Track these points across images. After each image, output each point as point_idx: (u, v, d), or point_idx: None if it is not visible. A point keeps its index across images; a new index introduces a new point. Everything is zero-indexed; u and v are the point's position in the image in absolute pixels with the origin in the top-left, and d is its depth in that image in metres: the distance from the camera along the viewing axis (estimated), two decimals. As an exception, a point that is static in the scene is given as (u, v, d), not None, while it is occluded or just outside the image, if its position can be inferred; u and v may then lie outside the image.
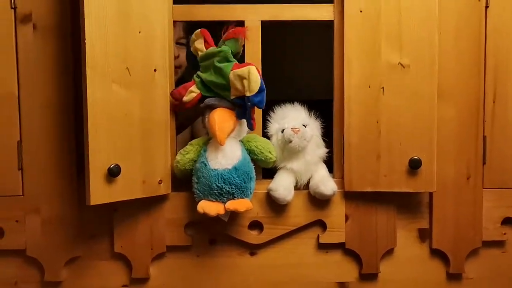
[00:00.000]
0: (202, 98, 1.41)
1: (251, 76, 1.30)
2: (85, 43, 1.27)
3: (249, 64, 1.33)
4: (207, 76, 1.40)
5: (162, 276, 1.51)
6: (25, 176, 1.45)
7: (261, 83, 1.30)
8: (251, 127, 1.37)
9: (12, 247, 1.47)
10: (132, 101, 1.35)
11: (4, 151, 1.44)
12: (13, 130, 1.43)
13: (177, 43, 1.75)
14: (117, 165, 1.31)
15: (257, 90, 1.30)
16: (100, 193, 1.31)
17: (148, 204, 1.46)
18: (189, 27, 1.78)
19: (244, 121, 1.40)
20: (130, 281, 1.51)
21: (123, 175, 1.33)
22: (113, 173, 1.31)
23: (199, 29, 1.42)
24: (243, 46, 1.43)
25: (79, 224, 1.48)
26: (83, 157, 1.30)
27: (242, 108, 1.35)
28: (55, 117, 1.44)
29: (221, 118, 1.35)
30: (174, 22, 1.47)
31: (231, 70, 1.34)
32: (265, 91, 1.31)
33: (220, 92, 1.38)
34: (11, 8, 1.42)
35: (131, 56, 1.35)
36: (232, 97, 1.35)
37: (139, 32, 1.36)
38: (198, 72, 1.43)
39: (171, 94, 1.42)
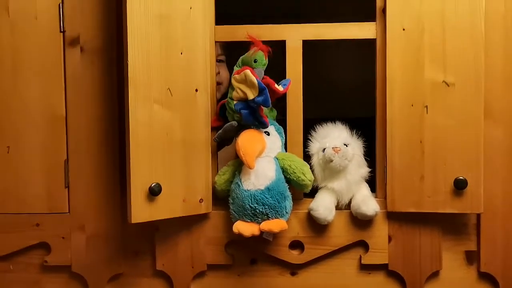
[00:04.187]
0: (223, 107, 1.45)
1: (247, 80, 1.33)
2: (127, 64, 1.30)
3: (245, 68, 1.35)
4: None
5: (203, 295, 1.52)
6: (71, 194, 1.49)
7: (258, 83, 1.32)
8: (264, 125, 1.38)
9: (58, 263, 1.51)
10: (174, 120, 1.38)
11: (52, 170, 1.49)
12: (60, 149, 1.48)
13: (216, 60, 1.76)
14: (158, 184, 1.34)
15: (257, 93, 1.32)
16: (141, 211, 1.33)
17: (190, 222, 1.47)
18: (227, 44, 1.79)
19: (275, 137, 1.42)
20: (171, 299, 1.53)
21: (164, 194, 1.35)
22: (154, 192, 1.33)
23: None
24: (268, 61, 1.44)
25: (122, 242, 1.51)
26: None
27: (247, 110, 1.36)
28: (101, 137, 1.48)
29: (246, 142, 1.36)
30: (216, 42, 1.49)
31: (233, 75, 1.37)
32: (266, 89, 1.32)
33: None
34: (60, 31, 1.47)
35: (173, 77, 1.37)
36: (234, 102, 1.37)
37: (181, 53, 1.39)
38: None
39: None
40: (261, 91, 1.32)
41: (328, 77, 2.68)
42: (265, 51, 1.42)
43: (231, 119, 1.42)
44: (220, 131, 1.42)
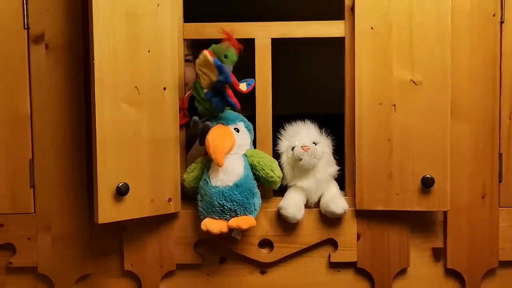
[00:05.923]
0: (191, 101, 1.43)
1: (205, 60, 1.32)
2: (93, 63, 1.28)
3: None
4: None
5: (172, 295, 1.51)
6: (36, 194, 1.46)
7: (214, 61, 1.31)
8: (233, 106, 1.36)
9: (24, 264, 1.48)
10: (141, 119, 1.36)
11: (16, 169, 1.45)
12: (25, 148, 1.45)
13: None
14: (125, 183, 1.32)
15: (217, 71, 1.31)
16: (108, 211, 1.31)
17: (158, 222, 1.46)
18: (195, 44, 1.78)
19: (245, 134, 1.42)
20: (140, 299, 1.51)
21: (132, 194, 1.34)
22: (121, 191, 1.31)
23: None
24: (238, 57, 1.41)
25: (89, 242, 1.48)
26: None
27: (217, 96, 1.35)
28: (67, 136, 1.46)
29: (216, 139, 1.35)
30: (184, 40, 1.48)
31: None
32: (222, 66, 1.31)
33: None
34: (24, 28, 1.44)
35: (140, 75, 1.35)
36: (205, 90, 1.36)
37: (149, 51, 1.37)
38: None
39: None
40: (218, 70, 1.31)
41: (300, 74, 2.70)
42: (237, 49, 1.41)
43: (202, 110, 1.41)
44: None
